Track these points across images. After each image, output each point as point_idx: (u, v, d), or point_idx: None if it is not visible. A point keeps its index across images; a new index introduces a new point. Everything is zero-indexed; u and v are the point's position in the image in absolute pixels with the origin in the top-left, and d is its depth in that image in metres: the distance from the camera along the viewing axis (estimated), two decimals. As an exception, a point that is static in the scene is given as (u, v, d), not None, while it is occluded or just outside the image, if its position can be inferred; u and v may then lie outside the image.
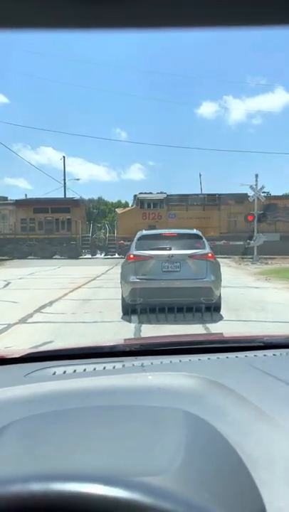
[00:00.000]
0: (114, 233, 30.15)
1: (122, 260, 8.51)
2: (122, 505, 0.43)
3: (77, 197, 32.43)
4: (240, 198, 28.74)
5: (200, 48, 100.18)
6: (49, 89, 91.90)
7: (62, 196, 36.42)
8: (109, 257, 28.95)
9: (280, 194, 28.76)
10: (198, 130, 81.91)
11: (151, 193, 29.74)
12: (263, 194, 27.37)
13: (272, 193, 27.74)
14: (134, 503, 0.43)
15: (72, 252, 28.94)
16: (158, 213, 28.40)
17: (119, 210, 31.14)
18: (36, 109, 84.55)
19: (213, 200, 28.93)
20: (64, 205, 29.78)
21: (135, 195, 29.94)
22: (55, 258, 28.38)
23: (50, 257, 28.03)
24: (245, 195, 28.79)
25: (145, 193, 29.58)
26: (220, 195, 29.47)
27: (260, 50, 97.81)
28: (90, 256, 29.74)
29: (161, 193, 29.73)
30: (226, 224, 28.04)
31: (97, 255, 30.30)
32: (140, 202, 28.93)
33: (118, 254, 28.45)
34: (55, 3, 0.38)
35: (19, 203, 30.11)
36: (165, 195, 29.17)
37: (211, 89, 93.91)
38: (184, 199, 29.04)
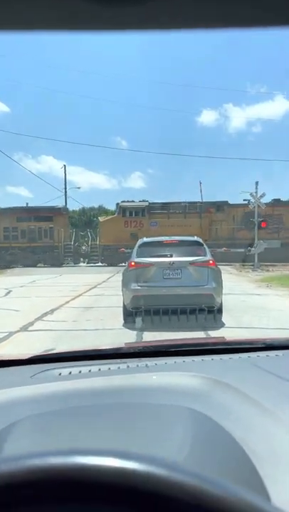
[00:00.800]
0: (96, 241, 30.21)
1: (123, 268, 8.51)
2: (138, 477, 0.44)
3: (59, 205, 32.33)
4: (221, 206, 29.16)
5: (200, 56, 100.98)
6: (50, 98, 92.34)
7: (64, 204, 36.56)
8: (92, 265, 28.94)
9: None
10: (198, 138, 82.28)
11: (133, 201, 29.93)
12: (245, 202, 27.73)
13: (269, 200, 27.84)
14: (149, 474, 0.45)
15: (55, 260, 28.84)
16: (140, 221, 28.51)
17: (101, 218, 31.26)
18: (37, 118, 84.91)
19: (195, 208, 29.10)
20: (47, 214, 29.65)
21: (117, 204, 30.08)
22: (39, 266, 28.24)
23: (34, 266, 27.87)
24: (226, 203, 29.34)
25: (127, 201, 29.76)
26: (201, 203, 29.77)
27: (259, 57, 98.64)
28: (72, 264, 29.68)
29: (143, 201, 29.91)
30: (207, 231, 28.08)
31: (80, 263, 30.31)
32: (122, 210, 29.07)
33: (101, 262, 28.56)
34: (55, 3, 0.39)
35: (2, 212, 29.88)
36: (147, 203, 29.35)
37: (211, 98, 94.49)
38: (165, 207, 29.22)
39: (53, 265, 27.99)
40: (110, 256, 27.89)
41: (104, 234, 28.72)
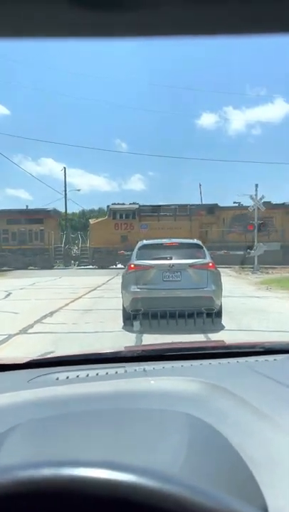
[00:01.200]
0: (87, 243, 30.11)
1: (123, 270, 8.51)
2: (129, 489, 0.45)
3: (50, 208, 32.18)
4: (211, 209, 29.25)
5: (200, 60, 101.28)
6: (50, 101, 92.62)
7: (63, 206, 36.59)
8: (82, 267, 28.85)
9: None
10: (198, 141, 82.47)
11: (124, 203, 29.92)
12: (235, 204, 27.59)
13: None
14: (141, 486, 0.45)
15: (46, 262, 28.81)
16: (130, 224, 28.52)
17: (92, 221, 31.16)
18: (37, 121, 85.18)
19: (185, 211, 29.11)
20: (37, 216, 29.60)
21: (108, 206, 30.14)
22: (30, 268, 28.18)
23: (25, 268, 27.80)
24: (216, 206, 29.40)
25: (118, 204, 29.76)
26: (191, 205, 29.78)
27: (259, 60, 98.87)
28: (63, 266, 29.63)
29: (133, 203, 29.90)
30: (197, 234, 27.93)
31: (72, 266, 30.20)
32: (113, 212, 29.11)
33: (92, 265, 28.46)
34: (56, 10, 0.39)
35: None
36: (137, 206, 29.36)
37: (211, 101, 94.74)
38: (155, 210, 29.28)
39: (43, 268, 27.88)
40: (101, 258, 27.89)
41: (94, 236, 28.68)
